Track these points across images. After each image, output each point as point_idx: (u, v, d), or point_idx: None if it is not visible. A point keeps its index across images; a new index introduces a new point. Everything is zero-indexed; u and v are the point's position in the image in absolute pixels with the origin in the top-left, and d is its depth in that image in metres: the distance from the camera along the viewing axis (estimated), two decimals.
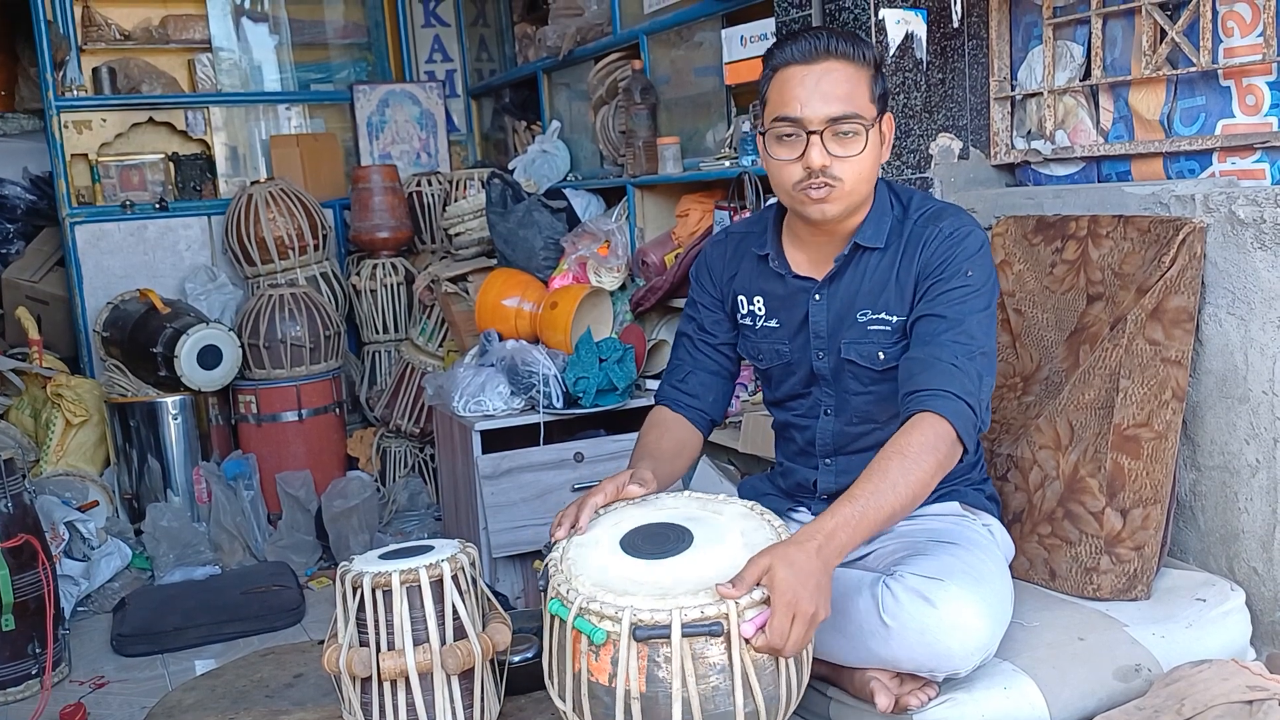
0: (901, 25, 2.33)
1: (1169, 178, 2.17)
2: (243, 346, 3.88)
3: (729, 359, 1.91)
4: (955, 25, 2.36)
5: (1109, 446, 1.85)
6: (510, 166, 4.17)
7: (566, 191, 3.82)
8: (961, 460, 1.59)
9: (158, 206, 4.49)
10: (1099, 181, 2.31)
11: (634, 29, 3.55)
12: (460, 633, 1.53)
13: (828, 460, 1.81)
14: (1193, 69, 2.07)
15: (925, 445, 1.51)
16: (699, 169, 3.19)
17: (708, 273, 1.89)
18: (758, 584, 1.35)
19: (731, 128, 3.11)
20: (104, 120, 4.62)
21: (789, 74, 1.63)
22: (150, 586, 3.52)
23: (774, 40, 2.40)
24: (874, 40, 2.30)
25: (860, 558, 1.78)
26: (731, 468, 3.04)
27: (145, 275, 4.37)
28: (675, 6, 3.34)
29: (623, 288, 3.46)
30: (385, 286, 4.35)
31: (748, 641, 1.33)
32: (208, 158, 4.79)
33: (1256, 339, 1.82)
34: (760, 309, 1.82)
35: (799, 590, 1.34)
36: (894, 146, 2.35)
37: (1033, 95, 2.41)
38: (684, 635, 1.31)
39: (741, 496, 1.96)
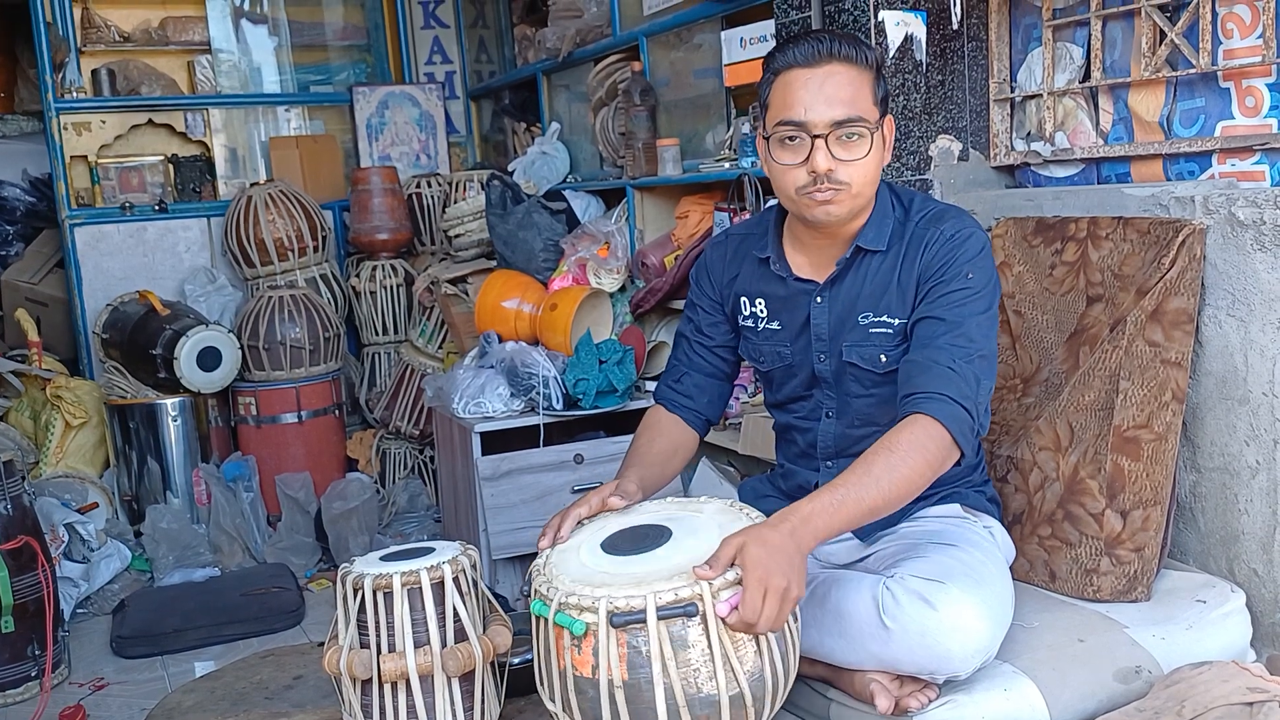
0: (901, 27, 2.33)
1: (1169, 179, 2.17)
2: (242, 348, 3.88)
3: (726, 361, 1.92)
4: (955, 27, 2.36)
5: (1109, 448, 1.85)
6: (510, 168, 4.17)
7: (566, 193, 3.82)
8: (959, 463, 1.59)
9: (157, 208, 4.49)
10: (1099, 183, 2.31)
11: (633, 31, 3.55)
12: (461, 635, 1.53)
13: (829, 463, 1.81)
14: (1192, 71, 2.08)
15: (914, 444, 1.51)
16: (699, 170, 3.19)
17: (707, 275, 1.90)
18: (733, 564, 1.36)
19: (731, 129, 3.12)
20: (103, 122, 4.62)
21: (791, 77, 1.62)
22: (150, 588, 3.52)
23: (774, 43, 2.41)
24: (874, 42, 2.30)
25: (861, 559, 1.79)
26: (732, 469, 3.04)
27: (145, 277, 4.37)
28: (675, 8, 3.34)
29: (622, 289, 3.46)
30: (385, 288, 4.35)
31: (724, 621, 1.33)
32: (207, 159, 4.79)
33: (1256, 340, 1.82)
34: (762, 311, 1.82)
35: (770, 565, 1.34)
36: (894, 148, 2.35)
37: (1032, 97, 2.41)
38: (660, 618, 1.32)
39: (742, 498, 1.97)
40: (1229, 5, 2.02)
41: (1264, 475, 1.82)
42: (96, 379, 4.17)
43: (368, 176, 4.34)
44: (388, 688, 1.51)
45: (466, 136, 5.18)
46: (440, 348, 4.09)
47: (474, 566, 1.59)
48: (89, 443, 3.95)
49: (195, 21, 4.85)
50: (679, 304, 3.26)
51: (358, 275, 4.39)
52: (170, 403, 3.85)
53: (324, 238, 4.34)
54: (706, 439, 3.02)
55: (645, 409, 3.08)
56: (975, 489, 1.83)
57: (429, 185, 4.52)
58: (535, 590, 1.43)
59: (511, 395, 3.13)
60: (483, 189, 3.86)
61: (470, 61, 5.15)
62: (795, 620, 1.45)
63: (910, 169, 2.39)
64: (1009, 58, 2.46)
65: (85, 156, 4.58)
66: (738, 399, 3.06)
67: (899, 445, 1.51)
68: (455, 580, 1.53)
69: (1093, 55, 2.26)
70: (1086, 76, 2.30)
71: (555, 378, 3.10)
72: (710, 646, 1.34)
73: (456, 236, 4.04)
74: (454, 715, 1.53)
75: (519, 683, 1.69)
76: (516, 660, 1.72)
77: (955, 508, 1.78)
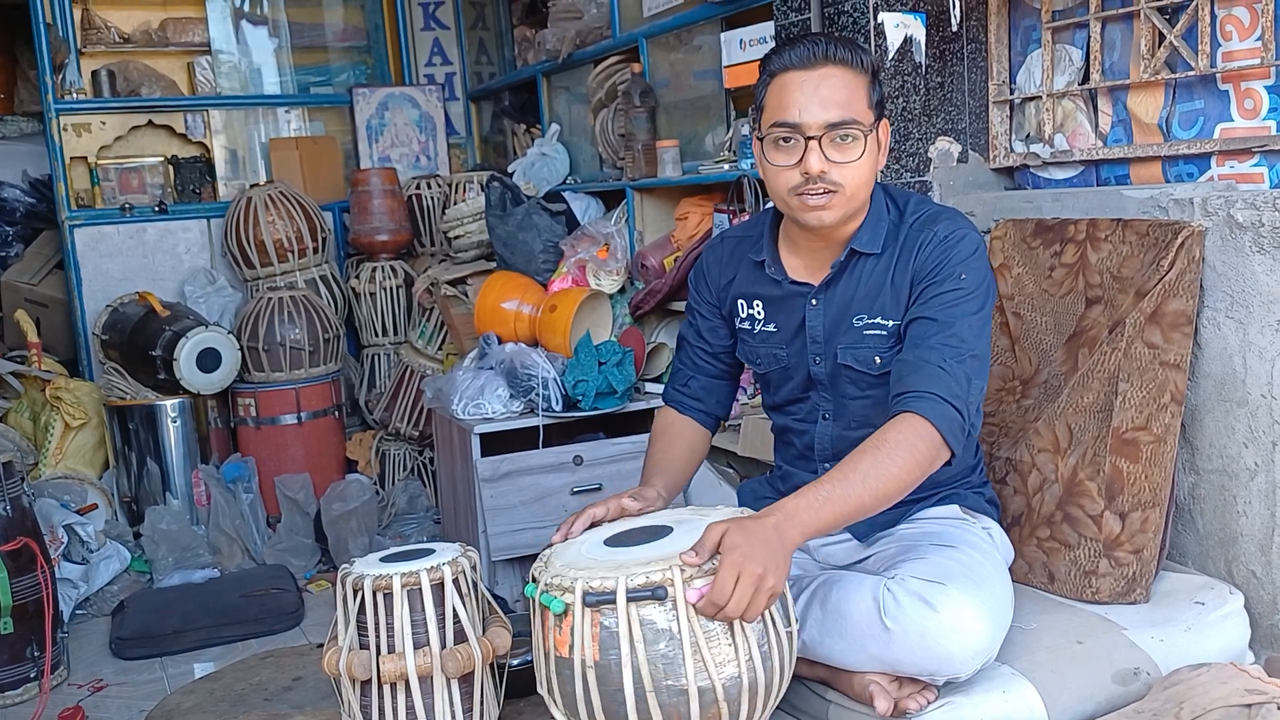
0: (900, 29, 2.33)
1: (1167, 181, 2.17)
2: (242, 349, 3.88)
3: (728, 363, 1.93)
4: (954, 29, 2.37)
5: (1108, 450, 1.85)
6: (509, 169, 4.17)
7: (566, 194, 3.83)
8: (950, 463, 1.59)
9: (157, 209, 4.49)
10: (1098, 185, 2.31)
11: (633, 32, 3.55)
12: (460, 636, 1.54)
13: (826, 464, 1.81)
14: (1191, 73, 2.08)
15: (901, 442, 1.52)
16: (698, 172, 3.20)
17: (704, 278, 1.90)
18: (718, 551, 1.36)
19: (731, 131, 3.12)
20: (103, 123, 4.62)
21: (787, 79, 1.63)
22: (149, 589, 3.52)
23: (774, 44, 2.41)
24: (873, 44, 2.30)
25: (860, 560, 1.79)
26: (731, 470, 3.04)
27: (144, 278, 4.36)
28: (675, 10, 3.34)
29: (622, 291, 3.46)
30: (384, 289, 4.35)
31: (693, 607, 1.34)
32: (207, 160, 4.79)
33: (1255, 342, 1.82)
34: (759, 313, 1.82)
35: (748, 551, 1.34)
36: (893, 150, 2.36)
37: (1031, 99, 2.41)
38: (629, 600, 1.33)
39: (741, 499, 1.98)
40: (1228, 7, 2.02)
41: (1262, 477, 1.83)
42: (96, 380, 4.17)
43: (367, 178, 4.34)
44: (387, 689, 1.51)
45: (466, 138, 5.18)
46: (440, 349, 4.09)
47: (474, 568, 1.59)
48: (88, 444, 3.95)
49: (195, 23, 4.86)
50: (679, 305, 3.26)
51: (357, 276, 4.39)
52: (170, 404, 3.85)
53: (324, 239, 4.35)
54: None
55: (645, 410, 3.14)
56: (974, 490, 1.83)
57: (429, 186, 4.52)
58: (532, 574, 1.46)
59: (511, 397, 3.13)
60: (482, 190, 3.86)
61: (470, 63, 5.15)
62: (786, 628, 1.43)
63: (909, 171, 2.39)
64: (1008, 60, 2.47)
65: (85, 157, 4.58)
66: (737, 400, 3.06)
67: (886, 443, 1.51)
68: (455, 581, 1.54)
69: (1092, 57, 2.26)
70: (1086, 78, 2.30)
71: (554, 379, 3.10)
72: (680, 634, 1.34)
73: (456, 238, 4.04)
74: (453, 717, 1.53)
75: (518, 684, 1.69)
76: (516, 662, 1.72)
77: (954, 509, 1.78)
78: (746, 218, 2.73)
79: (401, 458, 4.19)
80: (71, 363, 4.45)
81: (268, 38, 4.99)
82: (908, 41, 2.34)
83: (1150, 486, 1.84)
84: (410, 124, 4.94)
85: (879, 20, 2.30)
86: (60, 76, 4.48)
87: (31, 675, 2.80)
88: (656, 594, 1.34)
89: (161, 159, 4.70)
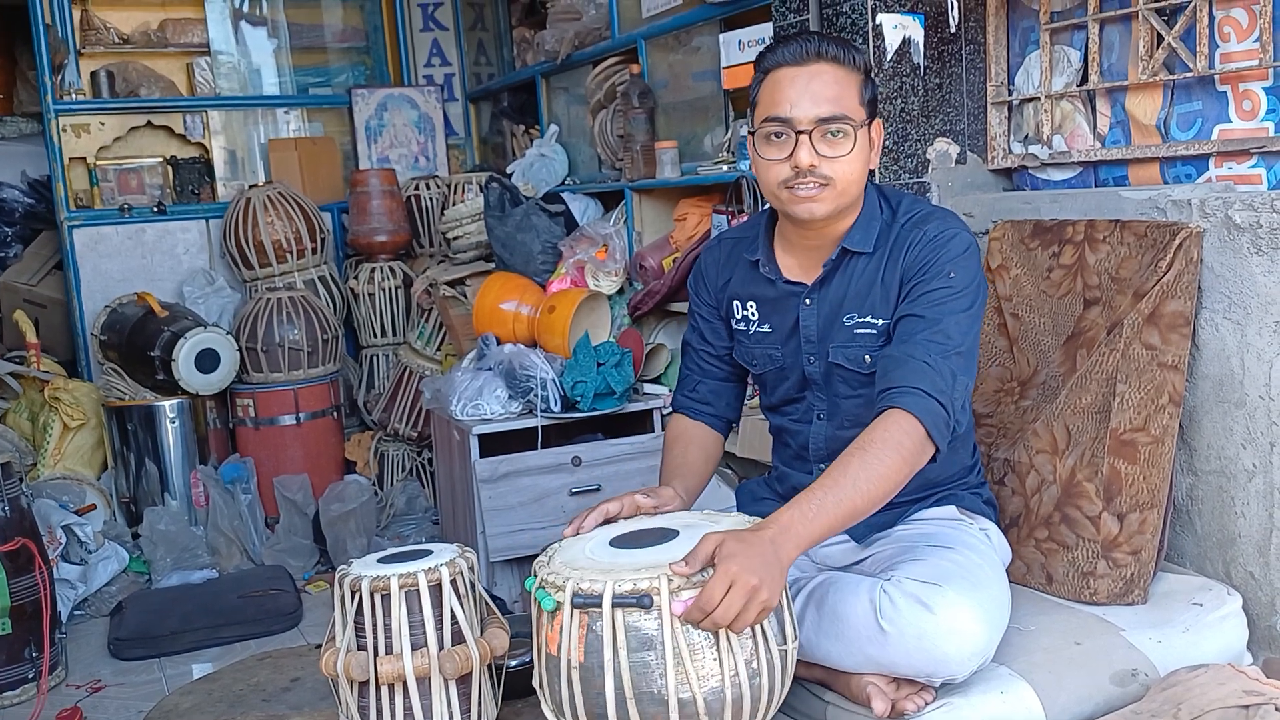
0: (899, 30, 2.33)
1: (1166, 182, 2.17)
2: (240, 350, 3.88)
3: (734, 365, 1.94)
4: (952, 30, 2.37)
5: (1106, 451, 1.86)
6: (508, 170, 4.17)
7: (564, 195, 3.82)
8: (934, 459, 1.59)
9: (156, 210, 4.49)
10: (1096, 186, 2.31)
11: (632, 33, 3.55)
12: (458, 637, 1.54)
13: (822, 465, 1.81)
14: (1189, 74, 2.08)
15: (888, 441, 1.52)
16: (697, 173, 3.20)
17: (703, 281, 1.92)
18: (712, 563, 1.36)
19: (729, 132, 3.12)
20: (102, 124, 4.62)
21: (780, 75, 1.65)
22: (147, 590, 3.52)
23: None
24: (871, 45, 2.30)
25: (857, 562, 1.79)
26: (729, 471, 3.04)
27: (143, 279, 4.36)
28: (673, 11, 3.34)
29: (620, 291, 3.46)
30: (383, 290, 4.35)
31: (678, 618, 1.33)
32: (206, 161, 4.79)
33: (1253, 344, 1.82)
34: (754, 314, 1.83)
35: (744, 562, 1.34)
36: (891, 151, 2.36)
37: (1030, 100, 2.41)
38: (614, 605, 1.34)
39: (739, 500, 1.98)
40: (1226, 9, 2.02)
41: (1260, 478, 1.83)
42: (95, 381, 4.17)
43: (366, 179, 4.34)
44: (385, 690, 1.51)
45: (465, 139, 5.18)
46: (438, 350, 4.09)
47: (471, 569, 1.59)
48: (87, 444, 3.95)
49: (194, 23, 4.86)
50: (677, 306, 3.26)
51: (356, 277, 4.39)
52: (168, 404, 3.85)
53: (322, 240, 4.34)
54: None
55: (643, 411, 3.14)
56: (971, 491, 1.83)
57: (427, 187, 4.52)
58: (534, 568, 1.46)
59: (509, 397, 3.13)
60: (481, 191, 3.86)
61: (469, 64, 5.15)
62: (781, 645, 1.41)
63: (908, 172, 2.39)
64: (1007, 61, 2.47)
65: (84, 158, 4.58)
66: None
67: (873, 443, 1.52)
68: (453, 582, 1.54)
69: (1090, 58, 2.26)
70: (1084, 79, 2.30)
71: (553, 380, 3.10)
72: (664, 643, 1.34)
73: (455, 239, 4.04)
74: (451, 717, 1.53)
75: (516, 685, 1.69)
76: (514, 663, 1.72)
77: (951, 510, 1.79)
78: (745, 218, 2.73)
79: (400, 458, 4.19)
80: (70, 363, 4.45)
81: (267, 38, 4.99)
82: (906, 43, 2.34)
83: (1148, 488, 1.84)
84: (409, 125, 4.94)
85: (877, 21, 2.30)
86: (59, 77, 4.48)
87: (29, 676, 2.80)
88: (642, 601, 1.34)
89: (160, 160, 4.70)
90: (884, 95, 2.34)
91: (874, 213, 1.74)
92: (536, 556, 1.52)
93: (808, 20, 2.44)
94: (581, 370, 3.08)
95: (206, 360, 3.77)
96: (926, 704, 1.55)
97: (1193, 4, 2.04)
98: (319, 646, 1.66)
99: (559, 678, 1.39)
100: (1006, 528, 1.94)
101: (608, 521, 1.63)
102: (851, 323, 1.72)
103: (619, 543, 1.51)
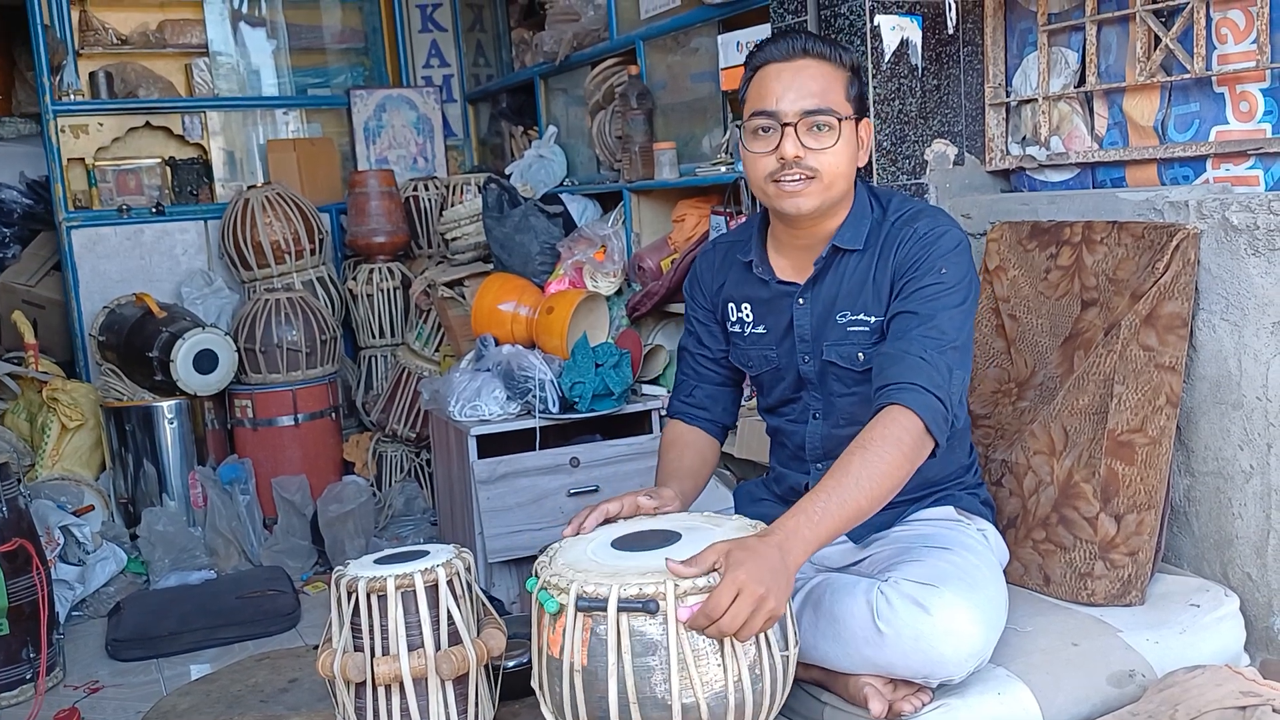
0: (897, 31, 2.33)
1: (1163, 184, 2.17)
2: (239, 351, 3.88)
3: (730, 369, 1.94)
4: (950, 31, 2.37)
5: (1103, 452, 1.86)
6: (507, 171, 4.17)
7: (563, 196, 3.83)
8: (934, 454, 1.59)
9: (154, 211, 4.49)
10: (1093, 187, 2.32)
11: (631, 34, 3.55)
12: (455, 638, 1.54)
13: (818, 465, 1.81)
14: (1187, 76, 2.08)
15: (888, 438, 1.52)
16: (695, 174, 3.20)
17: (699, 286, 1.93)
18: (714, 569, 1.36)
19: (728, 133, 3.12)
20: (101, 124, 4.62)
21: (767, 71, 1.69)
22: (145, 591, 3.52)
23: None
24: (869, 46, 2.31)
25: (855, 563, 1.79)
26: (728, 473, 3.04)
27: (141, 279, 4.36)
28: (672, 12, 3.35)
29: (619, 292, 3.46)
30: (381, 291, 4.35)
31: (683, 624, 1.33)
32: (204, 162, 4.79)
33: (1250, 345, 1.82)
34: (749, 316, 1.84)
35: (752, 570, 1.33)
36: (889, 152, 2.36)
37: (1028, 101, 2.41)
38: (619, 609, 1.33)
39: (737, 502, 1.98)
40: (1223, 10, 2.02)
41: (1258, 479, 1.83)
42: (93, 381, 4.17)
43: (365, 179, 4.35)
44: (381, 691, 1.51)
45: (464, 140, 5.18)
46: (437, 351, 4.09)
47: (468, 569, 1.59)
48: (85, 445, 3.94)
49: (193, 24, 4.86)
50: (676, 307, 3.26)
51: (354, 278, 4.39)
52: (166, 405, 3.85)
53: (321, 241, 4.35)
54: None
55: (642, 412, 3.14)
56: (969, 491, 1.83)
57: (426, 188, 4.53)
58: (535, 568, 1.46)
59: (508, 398, 3.13)
60: (480, 192, 3.86)
61: (468, 65, 5.15)
62: (783, 651, 1.42)
63: (906, 173, 2.40)
64: (1004, 62, 2.47)
65: (82, 159, 4.58)
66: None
67: (873, 441, 1.52)
68: (449, 583, 1.54)
69: (1088, 60, 2.27)
70: (1082, 81, 2.30)
71: (551, 381, 3.10)
72: (669, 648, 1.34)
73: (453, 239, 4.04)
74: (447, 718, 1.53)
75: (513, 686, 1.69)
76: (511, 664, 1.72)
77: (949, 510, 1.79)
78: (743, 219, 2.74)
79: (398, 459, 4.19)
80: (68, 364, 4.45)
81: (265, 39, 4.99)
82: (904, 44, 2.34)
83: (1145, 489, 1.84)
84: (408, 126, 4.95)
85: (875, 23, 2.31)
86: (58, 78, 4.48)
87: (27, 677, 2.80)
88: (648, 607, 1.33)
89: (159, 160, 4.70)
90: (882, 96, 2.34)
91: (864, 211, 1.75)
92: (535, 557, 1.51)
93: (806, 21, 2.44)
94: (580, 371, 3.08)
95: (205, 361, 3.77)
96: (924, 705, 1.55)
97: (1190, 5, 2.05)
98: (316, 647, 1.66)
99: (560, 680, 1.38)
100: (1004, 529, 1.94)
101: (607, 521, 1.63)
102: (844, 321, 1.73)
103: (621, 544, 1.51)
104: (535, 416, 3.08)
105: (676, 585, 1.34)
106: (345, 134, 4.94)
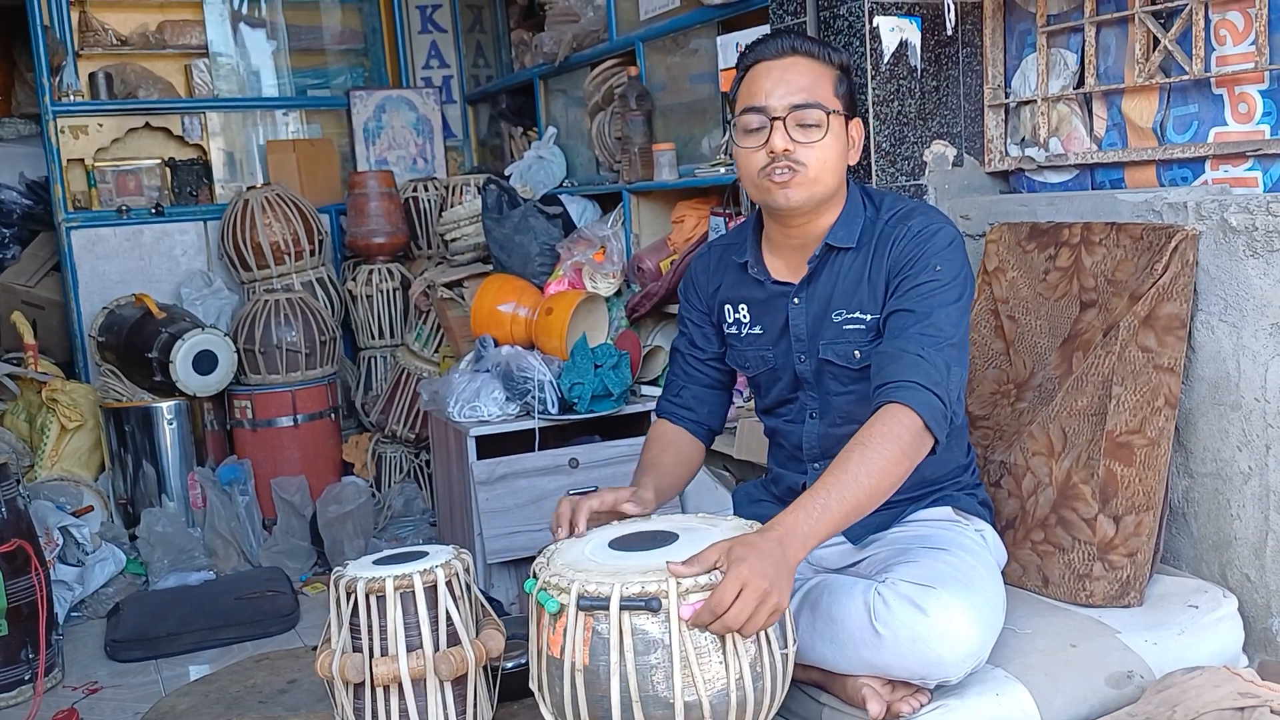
0: (896, 33, 2.34)
1: (1162, 185, 2.17)
2: (238, 352, 3.88)
3: (721, 371, 1.94)
4: (949, 33, 2.37)
5: (1102, 453, 1.86)
6: (506, 172, 4.17)
7: (562, 197, 3.83)
8: (934, 451, 1.59)
9: (154, 211, 4.49)
10: (1092, 189, 2.32)
11: (630, 36, 3.56)
12: (454, 639, 1.54)
13: (815, 464, 1.81)
14: (1186, 77, 2.08)
15: (886, 434, 1.53)
16: (694, 175, 3.20)
17: (693, 288, 1.93)
18: (715, 568, 1.36)
19: (727, 134, 3.12)
20: (100, 125, 4.62)
21: (757, 69, 1.72)
22: (144, 592, 3.52)
23: None
24: (868, 48, 2.31)
25: (852, 564, 1.79)
26: (727, 474, 3.04)
27: (141, 280, 4.37)
28: (671, 13, 3.35)
29: (618, 294, 3.46)
30: (381, 292, 4.35)
31: (686, 623, 1.33)
32: (204, 163, 4.79)
33: (1249, 346, 1.82)
34: (745, 317, 1.84)
35: (754, 565, 1.34)
36: (889, 154, 2.37)
37: (1027, 103, 2.42)
38: (621, 608, 1.33)
39: (735, 503, 1.98)
40: (1222, 12, 2.02)
41: (1256, 481, 1.83)
42: (92, 382, 4.17)
43: (364, 180, 4.35)
44: (380, 691, 1.51)
45: (463, 141, 5.19)
46: (436, 351, 4.09)
47: (467, 570, 1.59)
48: (84, 446, 3.94)
49: (193, 25, 4.86)
50: (675, 309, 3.26)
51: (354, 279, 4.40)
52: (166, 406, 3.85)
53: (320, 241, 4.35)
54: None
55: (641, 413, 3.14)
56: (967, 492, 1.83)
57: (425, 189, 4.53)
58: (533, 570, 1.46)
59: (507, 399, 3.13)
60: (479, 193, 3.86)
61: (467, 66, 5.16)
62: (782, 649, 1.42)
63: (905, 174, 2.40)
64: (1003, 64, 2.47)
65: (82, 159, 4.59)
66: (733, 404, 3.06)
67: (872, 438, 1.52)
68: (448, 584, 1.54)
69: (1087, 61, 2.27)
70: (1081, 82, 2.30)
71: (551, 382, 3.10)
72: (671, 646, 1.34)
73: (453, 240, 4.04)
74: (446, 719, 1.53)
75: (512, 687, 1.69)
76: (510, 664, 1.72)
77: (947, 510, 1.79)
78: (742, 220, 2.74)
79: (398, 460, 4.19)
80: (68, 365, 4.45)
81: (265, 40, 5.00)
82: (903, 45, 2.35)
83: (1144, 490, 1.84)
84: (407, 127, 4.95)
85: (874, 24, 2.31)
86: (57, 78, 4.48)
87: (26, 678, 2.79)
88: (650, 605, 1.33)
89: (158, 161, 4.70)
90: (881, 98, 2.34)
91: (857, 209, 1.76)
92: (534, 558, 1.52)
93: (805, 23, 2.45)
94: (579, 372, 3.09)
95: (204, 362, 3.77)
96: (922, 706, 1.55)
97: (1189, 7, 2.05)
98: (315, 648, 1.66)
99: (561, 680, 1.38)
100: (1003, 530, 1.94)
101: (591, 518, 1.63)
102: (840, 319, 1.74)
103: (619, 545, 1.51)
104: (534, 417, 3.08)
105: (679, 584, 1.34)
106: (345, 135, 4.94)
